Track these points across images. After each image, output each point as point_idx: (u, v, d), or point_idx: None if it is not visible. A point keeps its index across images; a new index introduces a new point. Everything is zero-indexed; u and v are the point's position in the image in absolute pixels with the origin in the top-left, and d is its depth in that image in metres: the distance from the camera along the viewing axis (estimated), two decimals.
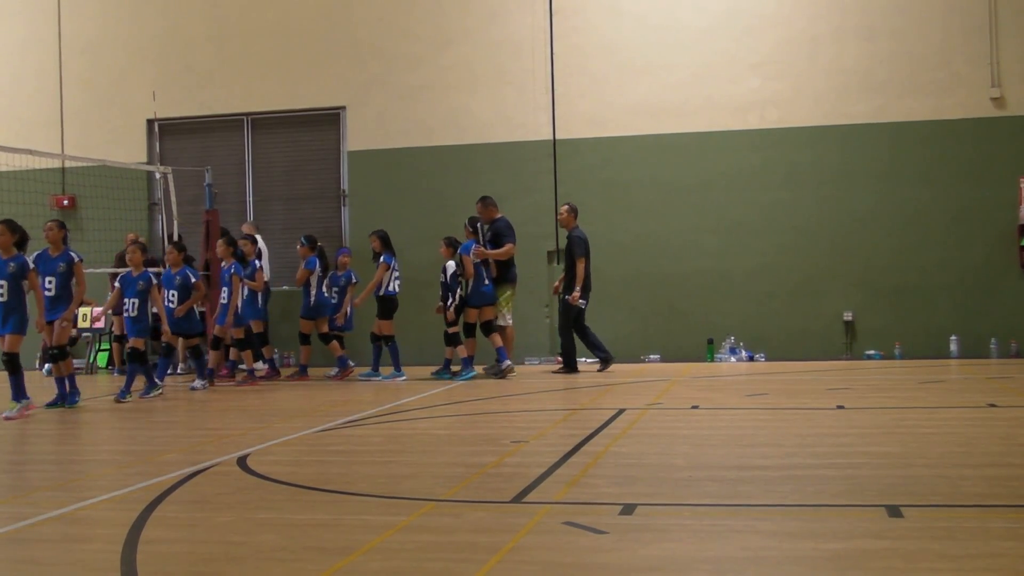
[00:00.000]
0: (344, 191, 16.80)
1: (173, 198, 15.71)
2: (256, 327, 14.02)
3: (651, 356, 15.56)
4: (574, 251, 13.97)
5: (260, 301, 14.05)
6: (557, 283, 14.41)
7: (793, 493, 5.96)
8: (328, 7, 16.84)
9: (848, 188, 15.37)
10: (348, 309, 14.59)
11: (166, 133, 17.43)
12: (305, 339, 14.42)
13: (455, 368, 13.94)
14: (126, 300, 12.16)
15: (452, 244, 13.76)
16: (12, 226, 10.90)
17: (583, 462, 7.04)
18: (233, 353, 14.25)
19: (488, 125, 16.31)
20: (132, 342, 12.04)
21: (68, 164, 17.15)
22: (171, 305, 12.79)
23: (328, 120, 16.98)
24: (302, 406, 11.26)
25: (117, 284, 12.54)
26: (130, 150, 17.15)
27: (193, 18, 17.23)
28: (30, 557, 5.13)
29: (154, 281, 12.27)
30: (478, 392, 12.12)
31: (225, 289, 13.59)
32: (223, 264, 13.76)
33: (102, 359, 16.93)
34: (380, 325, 14.03)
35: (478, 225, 14.01)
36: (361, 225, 16.35)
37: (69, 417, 10.78)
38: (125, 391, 11.84)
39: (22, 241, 10.93)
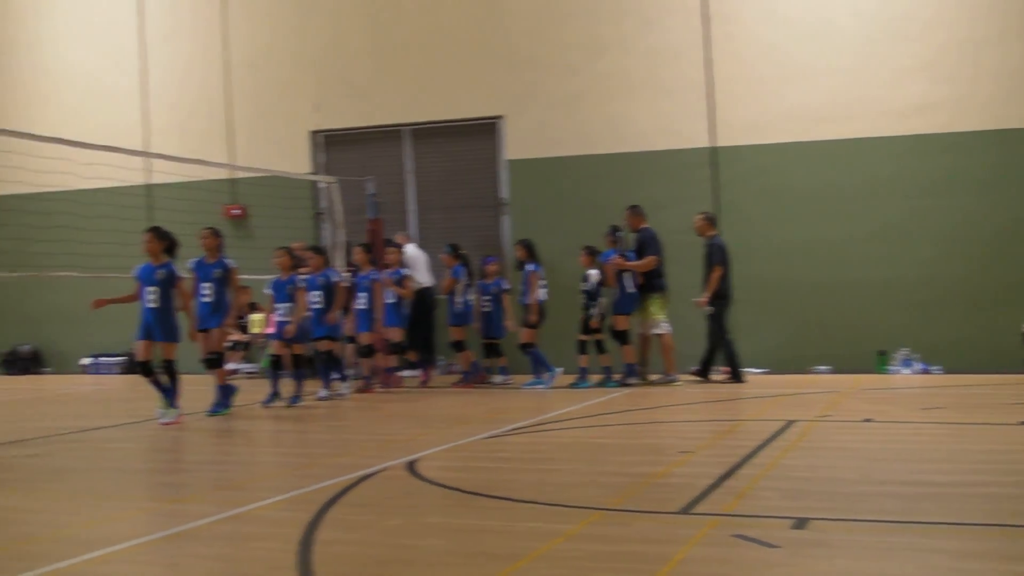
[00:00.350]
0: (502, 200, 16.92)
1: (338, 208, 16.05)
2: (395, 334, 14.16)
3: (819, 367, 15.20)
4: (712, 258, 13.83)
5: (405, 308, 14.30)
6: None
7: (974, 511, 5.74)
8: (483, 19, 16.99)
9: (1019, 194, 14.77)
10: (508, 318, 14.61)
11: (330, 144, 17.83)
12: (459, 346, 14.53)
13: (616, 376, 13.85)
14: (277, 305, 12.40)
15: (592, 253, 13.78)
16: (160, 233, 10.98)
17: (752, 474, 6.92)
18: (382, 359, 14.40)
19: (645, 133, 16.20)
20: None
21: (238, 175, 17.69)
22: (317, 306, 12.72)
23: (486, 130, 17.12)
24: (469, 412, 11.36)
25: (268, 290, 12.78)
26: (296, 161, 17.60)
27: (353, 33, 17.59)
28: (212, 554, 5.31)
29: (300, 284, 12.46)
30: (643, 401, 12.03)
31: (364, 295, 13.79)
32: (362, 271, 13.99)
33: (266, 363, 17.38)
34: (525, 333, 14.09)
35: (618, 234, 13.99)
36: (520, 234, 16.40)
37: (244, 420, 11.11)
38: (296, 396, 12.23)
39: (171, 248, 11.01)
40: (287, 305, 12.32)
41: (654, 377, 13.93)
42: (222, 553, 5.30)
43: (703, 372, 14.09)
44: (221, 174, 17.39)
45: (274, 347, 12.64)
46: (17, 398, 12.30)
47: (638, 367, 13.94)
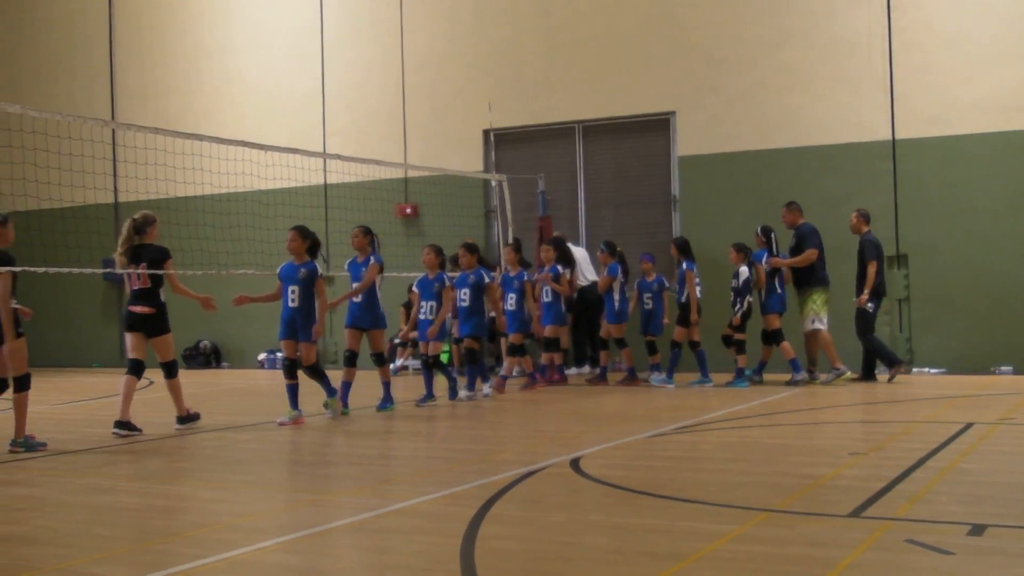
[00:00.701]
0: (674, 196, 16.77)
1: (508, 205, 16.18)
2: (552, 332, 14.12)
3: (1002, 368, 14.57)
4: (865, 255, 13.58)
5: (563, 306, 14.28)
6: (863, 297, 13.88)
7: None
8: (656, 14, 16.85)
9: None
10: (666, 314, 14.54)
11: (501, 142, 17.99)
12: (621, 343, 14.40)
13: (799, 376, 13.59)
14: (423, 303, 12.20)
15: (742, 250, 13.64)
16: (303, 232, 10.89)
17: (926, 478, 6.67)
18: (546, 356, 14.44)
19: (822, 127, 15.80)
20: (433, 346, 12.16)
21: (410, 174, 18.02)
22: (464, 304, 12.57)
23: (658, 126, 16.99)
24: (635, 410, 11.31)
25: (415, 288, 12.67)
26: (467, 159, 17.81)
27: (526, 31, 17.69)
28: (375, 546, 5.40)
29: (447, 283, 12.21)
30: (811, 401, 11.75)
31: (513, 295, 13.61)
32: (512, 271, 13.90)
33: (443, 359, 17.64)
34: (678, 331, 13.92)
35: (772, 235, 13.83)
36: (692, 231, 16.25)
37: (412, 415, 11.30)
38: (452, 392, 12.48)
39: (314, 247, 10.92)
40: (430, 304, 12.11)
41: (823, 377, 13.63)
42: (386, 546, 5.39)
43: (868, 373, 13.77)
44: (395, 174, 17.74)
45: (421, 347, 12.50)
46: (197, 391, 12.78)
47: (809, 367, 13.72)
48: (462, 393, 12.57)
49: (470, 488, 6.67)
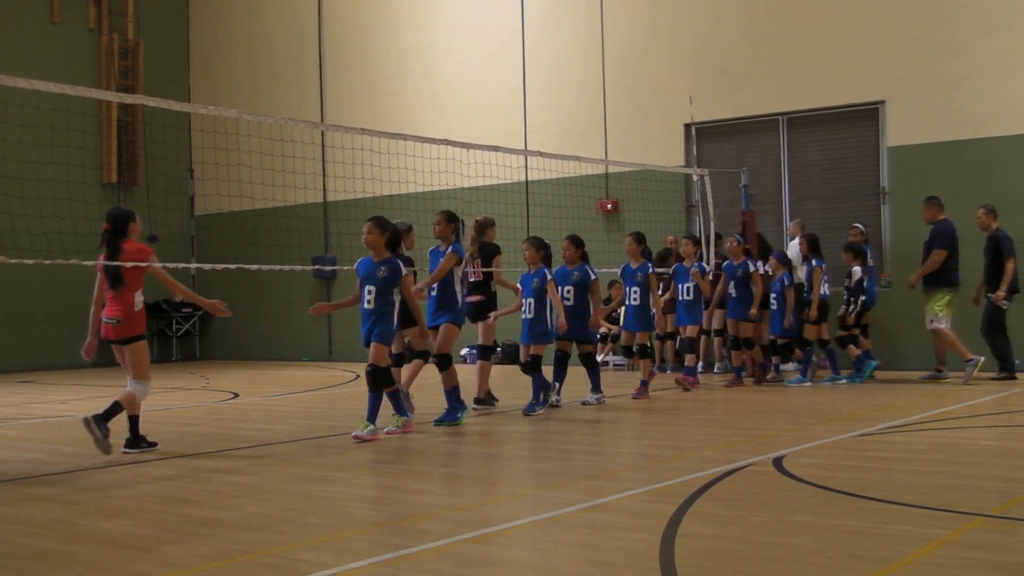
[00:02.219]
0: (884, 189, 16.21)
1: (710, 200, 15.99)
2: (691, 331, 13.46)
3: None
4: (1002, 251, 13.30)
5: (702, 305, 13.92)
6: (976, 291, 13.65)
7: None
8: (864, 1, 16.32)
9: None
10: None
11: (703, 136, 17.77)
12: (748, 343, 14.03)
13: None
14: (524, 300, 11.19)
15: (854, 251, 13.88)
16: (382, 224, 9.49)
17: None
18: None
19: None
20: (533, 348, 11.11)
21: (611, 169, 18.01)
22: (567, 302, 11.24)
23: (866, 116, 16.47)
24: (839, 409, 11.01)
25: (518, 285, 11.60)
26: (668, 154, 17.68)
27: (729, 22, 17.42)
28: (577, 541, 5.41)
29: (549, 277, 11.07)
30: None
31: (637, 289, 12.42)
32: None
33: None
34: (808, 329, 13.61)
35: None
36: (903, 223, 15.73)
37: (608, 409, 11.29)
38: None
39: (394, 242, 9.71)
40: (529, 301, 11.12)
41: (959, 375, 13.41)
42: (587, 541, 5.40)
43: (1008, 367, 13.47)
44: (595, 169, 17.76)
45: (523, 350, 11.48)
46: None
47: (937, 366, 13.67)
48: (590, 397, 11.56)
49: (671, 485, 6.61)
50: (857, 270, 13.75)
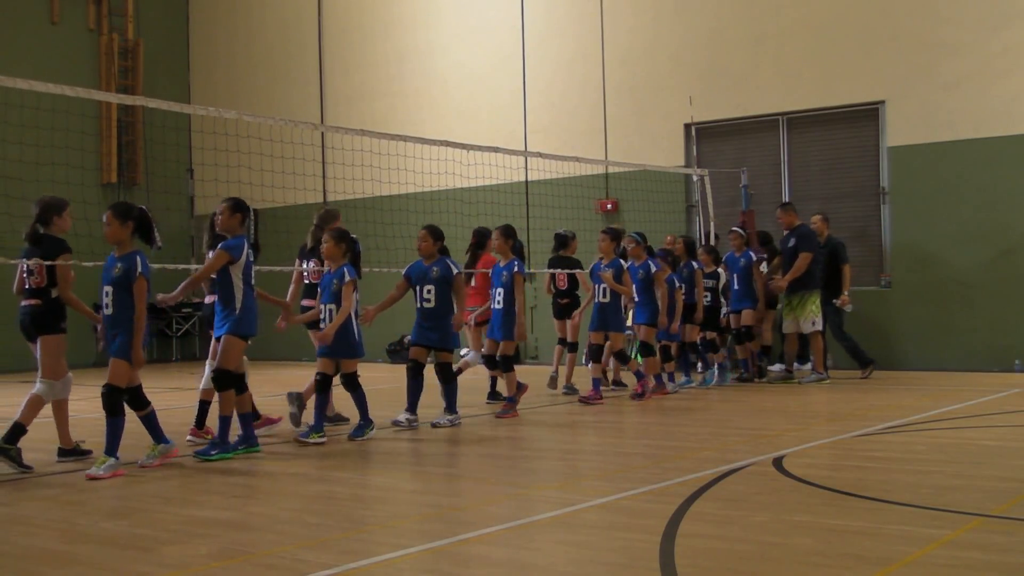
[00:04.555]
0: (883, 189, 16.20)
1: (710, 200, 15.97)
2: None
3: None
4: (839, 257, 14.08)
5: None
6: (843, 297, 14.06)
7: None
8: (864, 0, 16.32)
9: None
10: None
11: (703, 136, 17.76)
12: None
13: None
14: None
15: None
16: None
17: None
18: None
19: None
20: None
21: (611, 170, 18.01)
22: (427, 303, 10.06)
23: (866, 116, 16.45)
24: (842, 409, 11.00)
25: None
26: (668, 154, 17.67)
27: (729, 22, 17.40)
28: (576, 541, 5.41)
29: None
30: None
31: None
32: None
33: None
34: (691, 331, 13.50)
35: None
36: (904, 223, 15.73)
37: (608, 410, 11.29)
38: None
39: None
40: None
41: (806, 376, 13.75)
42: (586, 541, 5.40)
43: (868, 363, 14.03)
44: (595, 170, 17.76)
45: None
46: (396, 386, 13.06)
47: (788, 367, 13.91)
48: (442, 419, 10.21)
49: (670, 485, 6.61)
50: (722, 273, 13.75)
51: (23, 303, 8.17)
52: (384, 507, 6.60)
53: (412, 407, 10.00)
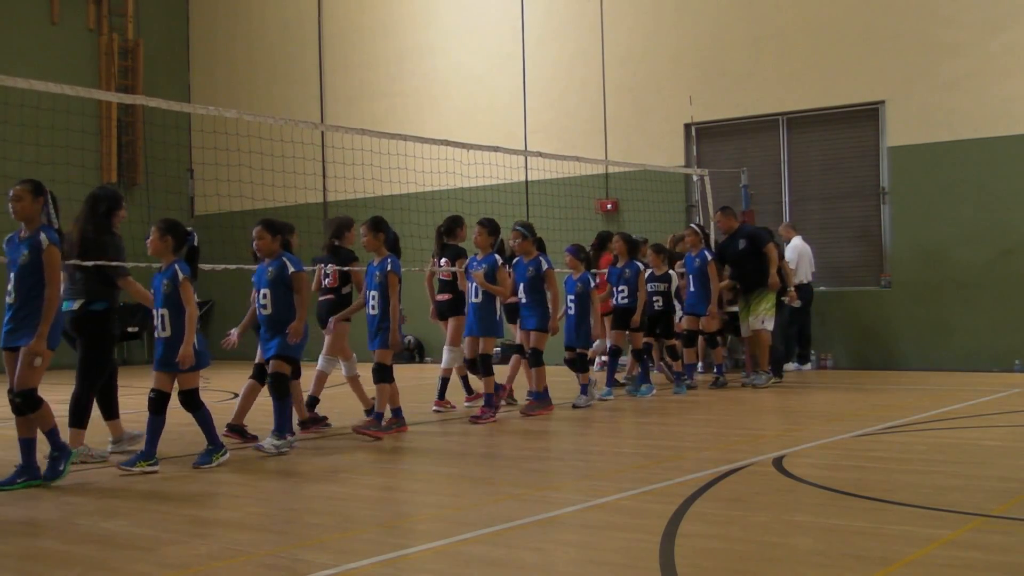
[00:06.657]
0: (884, 188, 16.20)
1: (710, 200, 15.98)
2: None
3: None
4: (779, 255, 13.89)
5: None
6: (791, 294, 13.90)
7: None
8: (865, 0, 16.32)
9: None
10: None
11: (703, 136, 17.76)
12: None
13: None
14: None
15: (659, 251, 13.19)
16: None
17: None
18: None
19: None
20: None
21: (611, 170, 18.01)
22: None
23: (866, 116, 16.45)
24: (842, 409, 10.99)
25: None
26: (669, 154, 17.68)
27: (729, 22, 17.40)
28: (576, 541, 5.41)
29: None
30: None
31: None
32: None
33: None
34: (635, 337, 12.86)
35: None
36: (903, 223, 15.73)
37: (607, 410, 11.28)
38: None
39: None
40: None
41: (758, 379, 13.28)
42: (586, 541, 5.39)
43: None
44: (595, 169, 17.76)
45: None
46: (400, 386, 13.08)
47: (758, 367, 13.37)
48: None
49: (671, 485, 6.60)
50: (674, 274, 12.89)
51: (320, 298, 10.02)
52: (386, 507, 6.60)
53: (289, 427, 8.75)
